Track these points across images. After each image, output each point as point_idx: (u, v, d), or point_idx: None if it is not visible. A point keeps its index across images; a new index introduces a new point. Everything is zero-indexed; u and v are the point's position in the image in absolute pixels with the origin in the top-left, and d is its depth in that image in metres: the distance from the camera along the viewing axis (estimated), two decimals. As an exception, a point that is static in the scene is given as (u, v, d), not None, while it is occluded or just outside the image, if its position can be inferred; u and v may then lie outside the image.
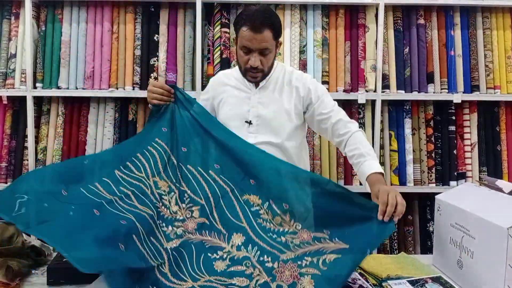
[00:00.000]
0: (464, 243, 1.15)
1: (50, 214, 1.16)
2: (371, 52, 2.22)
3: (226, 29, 2.23)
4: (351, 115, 2.25)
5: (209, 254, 1.18)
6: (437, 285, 1.13)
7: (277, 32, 1.43)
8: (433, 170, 2.25)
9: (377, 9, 2.22)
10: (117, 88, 2.21)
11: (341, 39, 2.24)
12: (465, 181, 2.23)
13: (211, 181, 1.36)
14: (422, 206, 2.32)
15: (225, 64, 2.20)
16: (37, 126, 2.26)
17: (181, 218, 1.29)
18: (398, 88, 2.23)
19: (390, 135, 2.26)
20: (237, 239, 1.22)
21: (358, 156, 1.39)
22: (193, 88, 2.22)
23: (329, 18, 2.26)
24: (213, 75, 2.14)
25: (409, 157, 2.24)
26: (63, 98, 2.25)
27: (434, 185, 2.24)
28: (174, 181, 1.37)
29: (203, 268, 1.15)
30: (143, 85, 2.21)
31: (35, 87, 2.21)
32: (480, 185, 1.34)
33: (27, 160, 2.21)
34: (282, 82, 1.55)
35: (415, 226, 2.30)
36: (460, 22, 2.27)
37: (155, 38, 2.23)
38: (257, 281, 1.11)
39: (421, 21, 2.25)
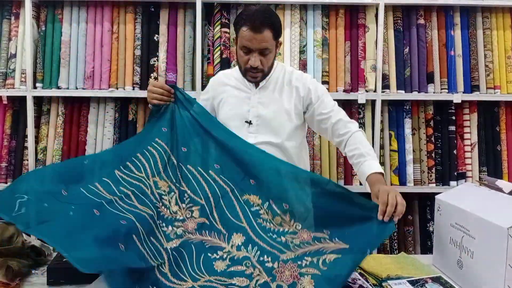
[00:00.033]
0: (464, 243, 1.15)
1: (50, 214, 1.16)
2: (371, 52, 2.22)
3: (226, 29, 2.23)
4: (351, 115, 2.25)
5: (209, 254, 1.18)
6: (437, 285, 1.13)
7: (277, 32, 1.43)
8: (433, 170, 2.25)
9: (377, 9, 2.22)
10: (117, 88, 2.21)
11: (341, 39, 2.24)
12: (465, 181, 2.23)
13: (211, 181, 1.36)
14: (422, 206, 2.32)
15: (225, 64, 2.20)
16: (37, 126, 2.26)
17: (181, 218, 1.29)
18: (398, 88, 2.23)
19: (390, 135, 2.26)
20: (237, 239, 1.22)
21: (358, 156, 1.39)
22: (193, 88, 2.22)
23: (329, 18, 2.26)
24: (213, 75, 2.14)
25: (409, 157, 2.24)
26: (63, 98, 2.25)
27: (434, 185, 2.24)
28: (174, 181, 1.37)
29: (203, 268, 1.15)
30: (143, 85, 2.21)
31: (35, 87, 2.21)
32: (480, 185, 1.34)
33: (27, 160, 2.21)
34: (282, 82, 1.55)
35: (415, 226, 2.30)
36: (460, 22, 2.27)
37: (155, 38, 2.23)
38: (257, 281, 1.11)
39: (421, 21, 2.25)
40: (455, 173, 2.25)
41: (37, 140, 2.24)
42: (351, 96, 2.21)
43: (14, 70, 2.22)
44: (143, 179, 1.35)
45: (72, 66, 2.21)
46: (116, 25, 2.23)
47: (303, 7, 2.25)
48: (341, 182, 2.24)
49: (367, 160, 1.36)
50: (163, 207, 1.31)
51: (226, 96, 1.58)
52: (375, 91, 2.22)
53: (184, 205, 1.32)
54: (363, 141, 1.43)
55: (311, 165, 2.15)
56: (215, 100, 1.61)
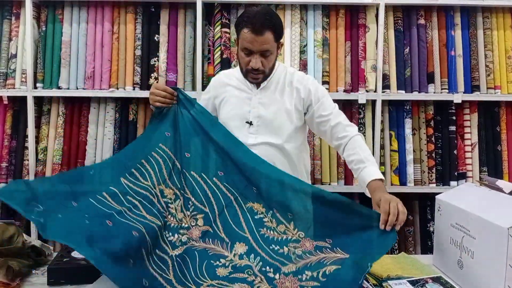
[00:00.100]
0: (464, 243, 1.15)
1: (67, 222, 1.17)
2: (372, 52, 2.22)
3: (227, 29, 2.23)
4: (351, 115, 2.26)
5: (212, 261, 1.19)
6: (438, 285, 1.13)
7: (278, 33, 1.43)
8: (434, 170, 2.25)
9: (377, 9, 2.22)
10: (117, 88, 2.21)
11: (342, 39, 2.24)
12: (466, 181, 2.23)
13: (215, 189, 1.36)
14: (422, 206, 2.32)
15: (226, 64, 2.20)
16: (38, 126, 2.26)
17: (186, 226, 1.30)
18: (399, 88, 2.23)
19: (391, 135, 2.26)
20: (240, 248, 1.23)
21: (357, 161, 1.39)
22: (194, 88, 2.22)
23: (330, 18, 2.26)
24: (214, 75, 2.15)
25: (410, 157, 2.24)
26: (63, 98, 2.25)
27: (434, 185, 2.24)
28: (179, 187, 1.38)
29: (206, 274, 1.16)
30: (143, 85, 2.21)
31: (35, 87, 2.21)
32: (480, 185, 1.33)
33: (28, 160, 2.21)
34: (283, 83, 1.54)
35: (416, 226, 2.30)
36: (461, 22, 2.27)
37: (155, 38, 2.23)
38: (258, 287, 1.12)
39: (422, 21, 2.25)
40: (456, 173, 2.25)
41: (37, 140, 2.25)
42: (351, 96, 2.21)
43: (14, 70, 2.22)
44: (149, 188, 1.36)
45: (73, 66, 2.22)
46: (117, 25, 2.23)
47: (304, 7, 2.25)
48: (341, 182, 2.24)
49: (366, 166, 1.36)
50: (169, 216, 1.32)
51: (227, 96, 1.57)
52: (375, 91, 2.22)
53: (188, 213, 1.33)
54: (362, 146, 1.43)
55: (311, 165, 2.15)
56: (217, 99, 1.61)
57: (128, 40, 2.22)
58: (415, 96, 2.23)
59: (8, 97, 2.21)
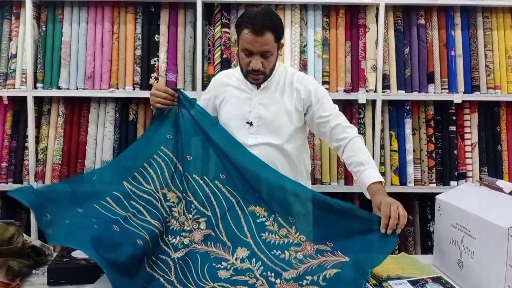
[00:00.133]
0: (464, 243, 1.15)
1: (74, 227, 1.18)
2: (372, 52, 2.22)
3: (227, 29, 2.23)
4: (351, 115, 2.26)
5: (214, 264, 1.20)
6: (438, 285, 1.13)
7: (278, 34, 1.43)
8: (434, 170, 2.25)
9: (377, 9, 2.22)
10: (117, 88, 2.21)
11: (342, 39, 2.24)
12: (466, 181, 2.23)
13: (217, 192, 1.37)
14: (422, 206, 2.32)
15: (226, 64, 2.20)
16: (38, 126, 2.26)
17: (188, 229, 1.31)
18: (399, 88, 2.23)
19: (391, 135, 2.26)
20: (242, 252, 1.24)
21: (356, 164, 1.39)
22: (194, 88, 2.22)
23: (330, 18, 2.26)
24: (214, 75, 2.15)
25: (410, 157, 2.24)
26: (63, 98, 2.25)
27: (434, 185, 2.24)
28: (181, 190, 1.39)
29: (208, 276, 1.16)
30: (143, 85, 2.21)
31: (35, 87, 2.21)
32: (480, 185, 1.33)
33: (28, 160, 2.21)
34: (284, 83, 1.54)
35: (416, 226, 2.30)
36: (461, 22, 2.27)
37: (155, 38, 2.23)
38: None
39: (422, 21, 2.25)
40: (456, 173, 2.25)
41: (37, 140, 2.25)
42: (351, 96, 2.21)
43: (14, 70, 2.22)
44: (152, 192, 1.37)
45: (73, 66, 2.22)
46: (117, 25, 2.23)
47: (304, 7, 2.25)
48: (341, 182, 2.24)
49: (366, 169, 1.36)
50: (172, 220, 1.33)
51: (228, 96, 1.57)
52: (375, 91, 2.22)
53: (191, 216, 1.34)
54: (361, 148, 1.43)
55: (312, 165, 2.15)
56: (217, 99, 1.61)
57: (128, 40, 2.22)
58: (415, 96, 2.23)
59: (8, 97, 2.21)
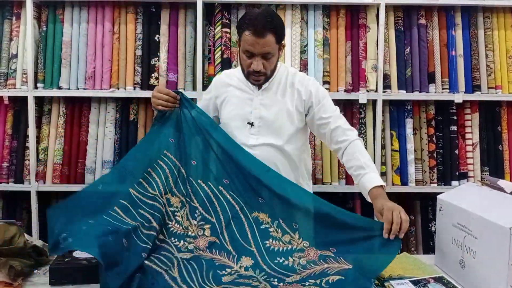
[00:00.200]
0: (466, 243, 1.15)
1: (89, 233, 1.19)
2: (372, 52, 2.22)
3: (227, 29, 2.23)
4: (352, 115, 2.25)
5: (218, 271, 1.21)
6: (440, 285, 1.13)
7: (279, 35, 1.42)
8: (435, 170, 2.25)
9: (378, 9, 2.21)
10: (118, 88, 2.21)
11: (342, 39, 2.24)
12: (467, 181, 2.23)
13: (221, 198, 1.38)
14: (424, 206, 2.31)
15: (226, 64, 2.20)
16: (38, 126, 2.26)
17: (193, 235, 1.32)
18: (399, 88, 2.23)
19: (392, 135, 2.26)
20: (246, 262, 1.25)
21: (357, 167, 1.39)
22: (194, 88, 2.22)
23: (330, 18, 2.26)
24: (214, 75, 2.15)
25: (411, 157, 2.24)
26: (64, 98, 2.25)
27: (435, 185, 2.24)
28: (185, 194, 1.40)
29: (212, 280, 1.17)
30: (144, 85, 2.21)
31: (36, 87, 2.21)
32: (482, 185, 1.33)
33: (29, 160, 2.21)
34: (285, 83, 1.54)
35: (417, 226, 2.30)
36: (461, 22, 2.27)
37: (156, 38, 2.23)
38: None
39: (422, 21, 2.25)
40: (457, 173, 2.25)
41: (38, 140, 2.25)
42: (352, 96, 2.21)
43: (15, 70, 2.22)
44: (157, 197, 1.38)
45: (73, 66, 2.22)
46: (117, 25, 2.23)
47: (304, 7, 2.25)
48: (342, 182, 2.24)
49: (367, 173, 1.36)
50: (176, 224, 1.34)
51: (229, 96, 1.57)
52: (376, 91, 2.21)
53: (195, 222, 1.35)
54: (362, 151, 1.42)
55: (313, 165, 2.15)
56: (218, 99, 1.61)
57: (129, 40, 2.22)
58: (416, 96, 2.23)
59: (9, 97, 2.21)
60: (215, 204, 1.37)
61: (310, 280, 1.15)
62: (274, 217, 1.32)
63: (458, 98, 2.20)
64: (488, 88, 2.25)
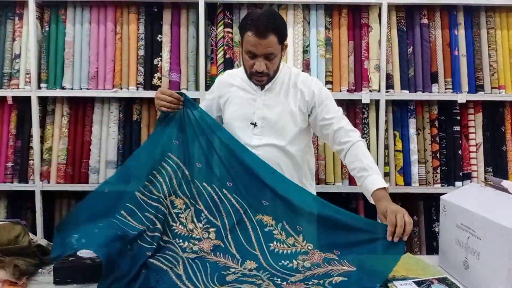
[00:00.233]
0: (470, 243, 1.15)
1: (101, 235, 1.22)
2: (375, 52, 2.21)
3: (229, 29, 2.23)
4: (355, 115, 2.25)
5: (223, 272, 1.22)
6: (443, 286, 1.13)
7: (282, 36, 1.42)
8: (438, 171, 2.24)
9: (380, 9, 2.21)
10: (121, 88, 2.22)
11: (344, 39, 2.24)
12: (471, 182, 2.23)
13: (225, 201, 1.38)
14: (427, 206, 2.31)
15: (229, 64, 2.20)
16: (42, 126, 2.27)
17: (198, 237, 1.33)
18: (402, 88, 2.23)
19: (395, 135, 2.26)
20: (250, 265, 1.25)
21: (360, 169, 1.39)
22: (197, 88, 2.23)
23: (332, 18, 2.25)
24: (217, 75, 2.15)
25: (414, 157, 2.24)
26: (67, 98, 2.26)
27: (439, 185, 2.23)
28: (189, 196, 1.40)
29: (216, 281, 1.18)
30: (146, 85, 2.21)
31: (39, 88, 2.22)
32: (485, 185, 1.33)
33: (33, 160, 2.22)
34: (288, 84, 1.54)
35: (421, 226, 2.30)
36: (464, 22, 2.26)
37: (158, 38, 2.23)
38: None
39: (425, 20, 2.25)
40: (460, 174, 2.24)
41: (42, 140, 2.26)
42: (355, 96, 2.21)
43: (18, 71, 2.23)
44: (161, 199, 1.39)
45: (76, 67, 2.22)
46: (120, 26, 2.24)
47: (306, 7, 2.25)
48: (346, 183, 2.24)
49: (370, 174, 1.35)
50: (180, 226, 1.36)
51: (232, 96, 1.57)
52: (379, 91, 2.21)
53: (201, 225, 1.36)
54: (364, 153, 1.42)
55: (316, 166, 2.15)
56: (221, 99, 1.60)
57: (131, 40, 2.23)
58: (419, 96, 2.22)
59: (12, 97, 2.22)
60: (220, 207, 1.38)
61: (313, 280, 1.15)
62: (278, 220, 1.32)
63: (461, 98, 2.20)
64: (492, 88, 2.24)
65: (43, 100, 2.27)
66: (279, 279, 1.17)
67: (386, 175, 2.22)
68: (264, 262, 1.25)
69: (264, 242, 1.29)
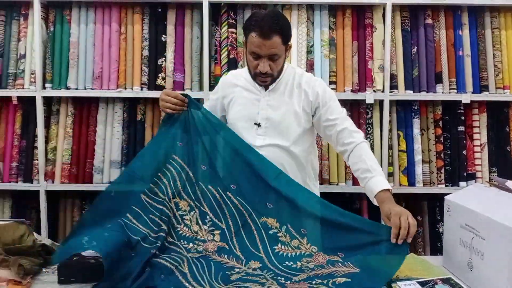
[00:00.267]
0: (474, 244, 1.14)
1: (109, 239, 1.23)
2: (379, 52, 2.21)
3: (233, 30, 2.23)
4: (359, 115, 2.25)
5: (227, 272, 1.22)
6: (447, 286, 1.13)
7: (286, 37, 1.42)
8: (442, 171, 2.23)
9: (384, 9, 2.21)
10: (125, 89, 2.22)
11: (348, 39, 2.23)
12: (475, 182, 2.22)
13: (229, 204, 1.39)
14: (431, 207, 2.30)
15: (232, 64, 2.20)
16: (47, 126, 2.28)
17: (202, 239, 1.34)
18: (406, 88, 2.22)
19: (399, 136, 2.25)
20: (254, 265, 1.26)
21: (363, 171, 1.38)
22: (201, 88, 2.23)
23: (336, 18, 2.25)
24: (221, 75, 2.15)
25: (418, 157, 2.23)
26: (72, 98, 2.27)
27: (443, 185, 2.23)
28: (194, 198, 1.41)
29: (221, 281, 1.18)
30: (151, 86, 2.22)
31: (44, 88, 2.23)
32: (490, 186, 1.32)
33: (37, 159, 2.23)
34: (292, 84, 1.54)
35: (425, 227, 2.29)
36: (468, 22, 2.25)
37: (162, 38, 2.24)
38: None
39: (429, 21, 2.24)
40: (465, 174, 2.23)
41: (46, 140, 2.27)
42: (359, 96, 2.20)
43: (23, 71, 2.24)
44: (165, 201, 1.39)
45: (81, 67, 2.24)
46: (124, 26, 2.25)
47: (310, 7, 2.25)
48: (349, 183, 2.23)
49: (374, 176, 1.35)
50: (184, 228, 1.36)
51: (236, 97, 1.57)
52: (383, 91, 2.21)
53: (206, 227, 1.37)
54: (368, 154, 1.42)
55: (319, 166, 2.15)
56: (225, 99, 1.61)
57: (136, 41, 2.23)
58: (423, 96, 2.22)
59: (17, 97, 2.24)
60: (225, 210, 1.38)
61: (317, 280, 1.15)
62: (283, 222, 1.32)
63: (466, 98, 2.19)
64: (496, 88, 2.23)
65: (47, 100, 2.28)
66: (282, 278, 1.18)
67: (390, 175, 2.21)
68: (269, 263, 1.25)
69: (268, 244, 1.30)
